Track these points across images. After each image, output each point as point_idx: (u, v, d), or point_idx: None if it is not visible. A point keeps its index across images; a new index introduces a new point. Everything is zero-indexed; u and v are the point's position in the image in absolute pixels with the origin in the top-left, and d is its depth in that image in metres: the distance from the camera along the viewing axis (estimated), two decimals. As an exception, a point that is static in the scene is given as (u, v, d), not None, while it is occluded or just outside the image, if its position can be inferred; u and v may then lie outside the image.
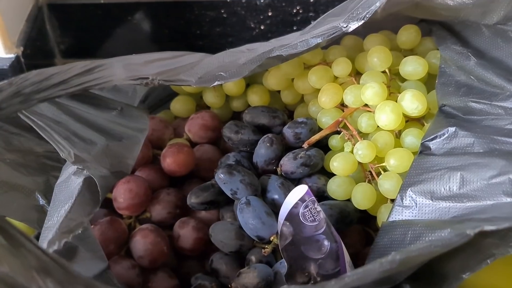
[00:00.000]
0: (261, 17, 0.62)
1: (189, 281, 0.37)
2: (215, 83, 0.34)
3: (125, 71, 0.33)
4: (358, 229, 0.39)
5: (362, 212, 0.38)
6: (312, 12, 0.62)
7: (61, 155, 0.31)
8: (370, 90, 0.36)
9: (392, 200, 0.36)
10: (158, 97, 0.46)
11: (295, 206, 0.32)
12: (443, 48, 0.35)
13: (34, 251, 0.21)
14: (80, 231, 0.28)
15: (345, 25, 0.34)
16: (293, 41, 0.34)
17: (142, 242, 0.36)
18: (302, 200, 0.32)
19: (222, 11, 0.61)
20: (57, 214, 0.29)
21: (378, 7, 0.31)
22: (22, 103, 0.25)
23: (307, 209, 0.32)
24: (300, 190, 0.32)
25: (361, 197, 0.36)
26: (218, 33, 0.63)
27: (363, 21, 0.33)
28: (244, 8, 0.61)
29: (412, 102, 0.36)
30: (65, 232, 0.27)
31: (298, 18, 0.63)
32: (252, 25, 0.63)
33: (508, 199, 0.28)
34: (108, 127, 0.33)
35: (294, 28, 0.63)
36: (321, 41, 0.33)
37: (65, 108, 0.31)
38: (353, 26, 0.33)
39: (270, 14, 0.62)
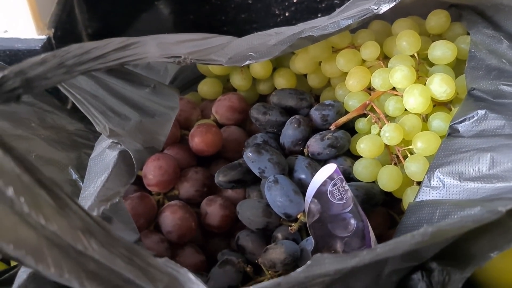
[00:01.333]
0: (286, 4, 0.62)
1: (215, 258, 0.38)
2: (246, 63, 0.35)
3: (159, 49, 0.34)
4: (383, 211, 0.39)
5: (387, 195, 0.39)
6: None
7: (97, 128, 0.32)
8: (399, 73, 0.36)
9: (418, 183, 0.37)
10: (186, 79, 0.47)
11: (324, 184, 0.32)
12: (474, 32, 0.35)
13: (80, 213, 0.22)
14: (117, 200, 0.29)
15: (376, 7, 0.34)
16: (323, 23, 0.34)
17: (171, 217, 0.37)
18: (330, 178, 0.32)
19: (248, -3, 0.62)
20: (94, 184, 0.30)
21: None
22: (65, 74, 0.26)
23: (335, 187, 0.32)
24: (329, 168, 0.32)
25: (387, 179, 0.36)
26: (243, 19, 0.64)
27: (394, 3, 0.33)
28: (269, -7, 0.61)
29: (441, 85, 0.36)
30: (103, 200, 0.28)
31: (323, 5, 0.63)
32: (277, 12, 0.63)
33: (539, 180, 0.28)
34: (141, 103, 0.34)
35: (319, 15, 0.63)
36: (351, 22, 0.34)
37: (102, 83, 0.32)
38: (384, 8, 0.34)
39: (295, 0, 0.62)
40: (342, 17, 0.35)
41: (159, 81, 0.36)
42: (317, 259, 0.23)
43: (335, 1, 0.63)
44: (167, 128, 0.35)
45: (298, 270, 0.22)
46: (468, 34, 0.40)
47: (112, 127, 0.31)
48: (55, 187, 0.22)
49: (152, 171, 0.38)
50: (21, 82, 0.25)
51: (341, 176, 0.33)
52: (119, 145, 0.32)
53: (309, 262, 0.23)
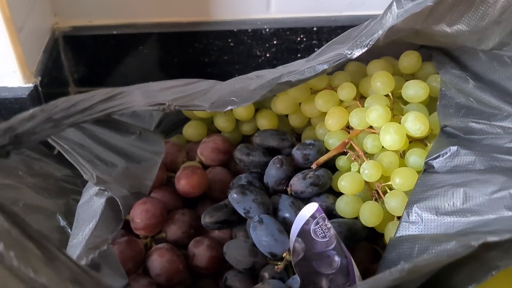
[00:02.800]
0: (267, 45, 0.65)
1: (203, 299, 0.38)
2: (228, 108, 0.36)
3: (144, 97, 0.35)
4: (366, 246, 0.40)
5: (370, 230, 0.40)
6: (315, 40, 0.65)
7: (84, 177, 0.33)
8: (375, 113, 0.38)
9: (399, 217, 0.38)
10: (171, 122, 0.49)
11: (307, 222, 0.33)
12: (443, 72, 0.38)
13: (68, 263, 0.22)
14: (105, 248, 0.30)
15: (349, 52, 0.36)
16: (300, 67, 0.36)
17: (159, 260, 0.38)
18: (313, 217, 0.33)
19: (229, 40, 0.64)
20: (82, 232, 0.31)
21: (380, 35, 0.34)
22: (53, 128, 0.27)
23: (318, 225, 0.33)
24: (311, 208, 0.33)
25: (369, 215, 0.38)
26: (225, 61, 0.66)
27: (366, 48, 0.35)
28: (250, 37, 0.64)
29: (415, 123, 0.38)
30: (91, 248, 0.29)
31: (302, 46, 0.65)
32: (258, 53, 0.66)
33: (510, 213, 0.30)
34: (128, 150, 0.35)
35: (298, 56, 0.66)
36: (327, 67, 0.35)
37: (89, 133, 0.33)
38: (357, 53, 0.36)
39: (275, 42, 0.65)
40: (318, 62, 0.37)
41: (144, 128, 0.37)
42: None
43: (314, 42, 0.65)
44: (153, 173, 0.36)
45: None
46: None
47: (99, 174, 0.32)
48: (43, 239, 0.22)
49: (139, 215, 0.39)
50: (10, 139, 0.26)
51: (323, 214, 0.34)
52: (106, 192, 0.33)
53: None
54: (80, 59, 0.65)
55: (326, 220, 0.34)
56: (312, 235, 0.33)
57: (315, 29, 0.63)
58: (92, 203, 0.34)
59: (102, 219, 0.32)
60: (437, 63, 0.39)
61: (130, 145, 0.35)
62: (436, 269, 0.28)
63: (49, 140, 0.32)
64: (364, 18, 0.39)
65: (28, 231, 0.21)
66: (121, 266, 0.33)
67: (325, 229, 0.33)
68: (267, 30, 0.63)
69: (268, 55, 0.66)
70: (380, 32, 0.34)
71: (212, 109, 0.36)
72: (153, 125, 0.43)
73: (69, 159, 0.33)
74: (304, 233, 0.33)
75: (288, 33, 0.63)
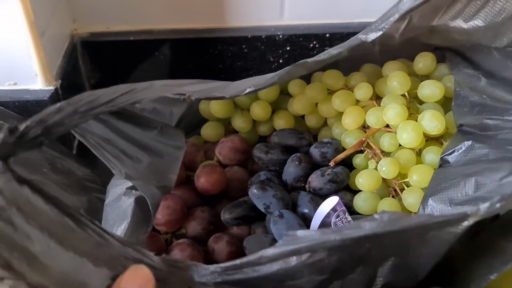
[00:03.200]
0: (280, 52, 0.66)
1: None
2: (246, 91, 0.37)
3: (164, 90, 0.36)
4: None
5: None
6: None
7: (114, 172, 0.34)
8: (392, 111, 0.39)
9: (415, 214, 0.38)
10: (190, 123, 0.50)
11: (328, 215, 0.34)
12: (456, 71, 0.39)
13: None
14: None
15: (364, 36, 0.37)
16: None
17: (180, 255, 0.38)
18: (334, 210, 0.34)
19: (244, 46, 0.65)
20: (113, 231, 0.32)
21: (396, 18, 0.34)
22: (79, 119, 0.28)
23: (339, 218, 0.34)
24: (332, 201, 0.34)
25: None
26: (239, 67, 0.67)
27: (381, 32, 0.36)
28: (264, 43, 0.65)
29: (431, 121, 0.39)
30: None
31: (315, 52, 0.66)
32: (272, 59, 0.67)
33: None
34: (150, 144, 0.35)
35: (311, 61, 0.67)
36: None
37: (112, 127, 0.34)
38: (372, 36, 0.36)
39: (288, 48, 0.66)
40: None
41: (165, 123, 0.38)
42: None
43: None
44: (176, 166, 0.37)
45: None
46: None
47: (127, 170, 0.33)
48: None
49: (161, 211, 0.40)
50: (42, 130, 0.27)
51: (344, 207, 0.34)
52: (134, 191, 0.34)
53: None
54: (97, 65, 0.66)
55: (347, 213, 0.34)
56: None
57: (327, 35, 0.64)
58: (121, 203, 0.34)
59: (133, 221, 0.32)
60: (450, 64, 0.40)
61: (153, 140, 0.35)
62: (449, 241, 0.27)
63: (76, 135, 0.32)
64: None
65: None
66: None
67: (346, 222, 0.34)
68: (281, 36, 0.64)
69: (281, 61, 0.67)
70: (396, 16, 0.34)
71: (231, 96, 0.37)
72: (173, 123, 0.44)
73: (97, 154, 0.34)
74: (325, 226, 0.34)
75: (301, 39, 0.65)
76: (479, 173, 0.33)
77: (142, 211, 0.33)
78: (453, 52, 0.40)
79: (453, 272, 0.30)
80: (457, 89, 0.38)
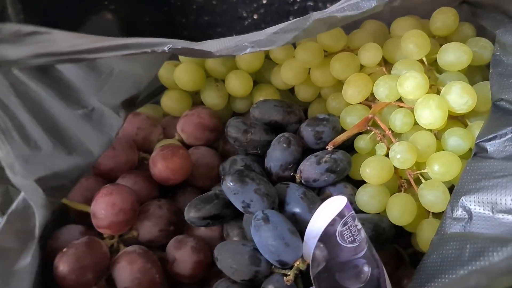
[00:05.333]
0: (255, 5, 0.56)
1: (187, 316, 0.29)
2: (246, 51, 0.26)
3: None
4: (391, 248, 0.32)
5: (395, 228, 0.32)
6: (311, 1, 0.56)
7: None
8: (412, 81, 0.30)
9: (435, 214, 0.30)
10: (145, 90, 0.39)
11: (332, 223, 0.25)
12: (502, 32, 0.30)
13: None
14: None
15: None
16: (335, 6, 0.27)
17: (128, 269, 0.29)
18: (340, 215, 0.25)
19: (211, -2, 0.55)
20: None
21: None
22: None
23: (346, 226, 0.25)
24: (338, 203, 0.25)
25: (401, 211, 0.30)
26: (206, 22, 0.57)
27: None
28: (235, -6, 0.55)
29: (461, 96, 0.30)
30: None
31: (296, 7, 0.57)
32: (244, 14, 0.57)
33: None
34: (64, 128, 0.25)
35: (290, 19, 0.57)
36: (376, 4, 0.26)
37: (19, 86, 0.23)
38: None
39: (264, 2, 0.56)
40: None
41: (104, 103, 0.27)
42: None
43: (309, 3, 0.57)
44: (80, 172, 0.26)
45: None
46: (479, 36, 0.34)
47: (12, 155, 0.22)
48: None
49: (103, 210, 0.29)
50: None
51: (353, 212, 0.25)
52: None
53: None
54: (31, 14, 0.54)
55: (356, 220, 0.26)
56: (338, 239, 0.25)
57: (312, -13, 0.55)
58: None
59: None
60: (491, 22, 0.31)
61: (71, 123, 0.25)
62: None
63: None
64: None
65: None
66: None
67: (355, 231, 0.25)
68: (256, -14, 0.54)
69: (255, 17, 0.57)
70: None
71: (223, 54, 0.27)
72: (106, 86, 0.31)
73: None
74: (327, 236, 0.25)
75: (280, -10, 0.55)
76: (540, 175, 0.25)
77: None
78: (491, 7, 0.31)
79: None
80: (498, 53, 0.30)
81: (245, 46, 0.26)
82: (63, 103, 0.24)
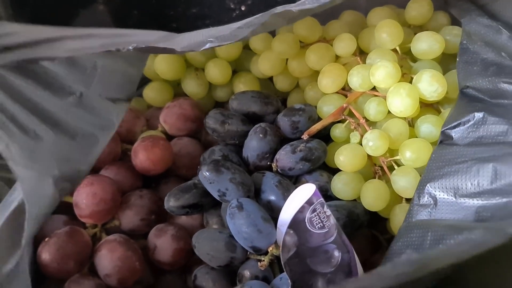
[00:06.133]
0: (243, -3, 0.56)
1: (168, 301, 0.30)
2: (205, 46, 0.27)
3: (87, 38, 0.26)
4: (367, 233, 0.33)
5: (370, 214, 0.33)
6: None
7: None
8: (382, 70, 0.31)
9: (408, 200, 0.31)
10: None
11: (301, 210, 0.26)
12: (467, 20, 0.30)
13: None
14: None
15: None
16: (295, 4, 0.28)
17: (109, 257, 0.30)
18: (309, 202, 0.26)
19: (199, -10, 0.55)
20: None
21: None
22: None
23: (315, 213, 0.26)
24: (307, 190, 0.26)
25: (374, 197, 0.31)
26: (194, 14, 0.57)
27: None
28: (223, -15, 0.55)
29: (431, 83, 0.30)
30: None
31: (283, -2, 0.57)
32: (232, 6, 0.57)
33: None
34: (59, 117, 0.25)
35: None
36: None
37: (3, 84, 0.24)
38: None
39: (252, -7, 0.56)
40: None
41: (90, 87, 0.28)
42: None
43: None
44: (92, 154, 0.27)
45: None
46: (453, 24, 0.35)
47: (17, 148, 0.23)
48: None
49: (85, 199, 0.31)
50: None
51: (322, 199, 0.26)
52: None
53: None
54: (20, 8, 0.55)
55: (325, 206, 0.26)
56: (308, 226, 0.26)
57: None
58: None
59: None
60: (459, 10, 0.31)
61: (64, 110, 0.26)
62: (456, 265, 0.22)
63: None
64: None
65: None
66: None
67: (324, 217, 0.26)
68: (243, -23, 0.54)
69: (243, 8, 0.57)
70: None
71: (184, 50, 0.28)
72: (94, 81, 0.32)
73: None
74: (297, 223, 0.26)
75: (267, -18, 0.55)
76: (498, 159, 0.26)
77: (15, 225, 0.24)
78: (461, -4, 0.31)
79: (463, 276, 0.24)
80: (465, 42, 0.30)
81: (204, 42, 0.27)
82: (50, 93, 0.25)
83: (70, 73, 0.26)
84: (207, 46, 0.27)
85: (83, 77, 0.27)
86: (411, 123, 0.33)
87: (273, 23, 0.28)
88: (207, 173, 0.29)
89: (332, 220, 0.27)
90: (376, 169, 0.32)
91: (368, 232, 0.33)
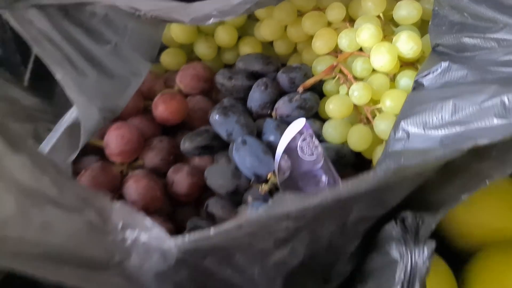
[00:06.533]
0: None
1: (184, 227, 0.36)
2: (209, 21, 0.33)
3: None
4: (353, 174, 0.39)
5: (357, 158, 0.38)
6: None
7: (57, 76, 0.29)
8: (366, 32, 0.36)
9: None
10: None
11: (293, 139, 0.31)
12: (437, -12, 0.35)
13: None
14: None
15: None
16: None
17: (135, 186, 0.35)
18: (300, 133, 0.31)
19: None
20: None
21: None
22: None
23: (305, 142, 0.32)
24: (298, 123, 0.32)
25: (357, 138, 0.36)
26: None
27: None
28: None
29: (407, 42, 0.36)
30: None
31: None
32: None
33: (500, 121, 0.28)
34: (101, 60, 0.31)
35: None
36: None
37: (58, 26, 0.29)
38: None
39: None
40: None
41: (123, 42, 0.34)
42: (279, 198, 0.21)
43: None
44: (127, 93, 0.33)
45: (260, 209, 0.21)
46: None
47: (69, 80, 0.29)
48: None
49: (114, 140, 0.36)
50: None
51: (311, 130, 0.32)
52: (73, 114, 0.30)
53: (270, 201, 0.22)
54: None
55: (314, 137, 0.32)
56: (299, 153, 0.31)
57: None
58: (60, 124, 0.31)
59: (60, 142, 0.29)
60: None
61: (103, 55, 0.32)
62: (424, 175, 0.27)
63: (14, 23, 0.28)
64: None
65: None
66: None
67: (313, 146, 0.32)
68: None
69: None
70: None
71: (192, 23, 0.34)
72: (125, 40, 0.39)
73: (38, 51, 0.29)
74: (290, 150, 0.31)
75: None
76: (458, 96, 0.31)
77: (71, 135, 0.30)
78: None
79: (425, 195, 0.29)
80: (436, 8, 0.35)
81: (209, 15, 0.32)
82: (92, 40, 0.31)
83: (106, 28, 0.32)
84: (211, 20, 0.32)
85: (116, 34, 0.32)
86: (392, 78, 0.38)
87: (265, 2, 0.33)
88: (217, 116, 0.35)
89: (320, 149, 0.32)
90: (362, 118, 0.38)
91: (355, 173, 0.39)
